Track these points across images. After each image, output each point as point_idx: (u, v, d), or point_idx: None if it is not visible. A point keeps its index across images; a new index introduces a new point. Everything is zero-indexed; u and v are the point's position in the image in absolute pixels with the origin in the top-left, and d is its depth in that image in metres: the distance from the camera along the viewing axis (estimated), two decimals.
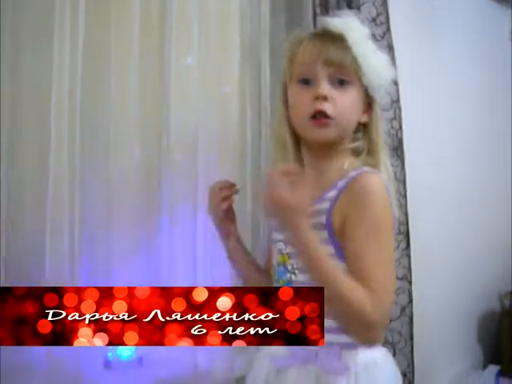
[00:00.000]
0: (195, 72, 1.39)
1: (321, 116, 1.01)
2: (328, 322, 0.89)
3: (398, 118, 1.68)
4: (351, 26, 1.06)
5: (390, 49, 1.70)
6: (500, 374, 2.23)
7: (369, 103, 1.08)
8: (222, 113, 1.47)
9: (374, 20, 1.70)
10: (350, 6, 1.64)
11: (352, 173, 1.02)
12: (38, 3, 1.21)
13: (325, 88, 1.02)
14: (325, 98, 1.01)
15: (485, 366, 2.32)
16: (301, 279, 1.03)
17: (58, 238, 1.17)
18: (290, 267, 1.05)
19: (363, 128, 1.09)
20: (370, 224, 0.96)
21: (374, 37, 1.74)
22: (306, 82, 1.04)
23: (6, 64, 1.13)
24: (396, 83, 1.69)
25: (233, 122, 1.49)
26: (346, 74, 1.03)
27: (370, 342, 0.97)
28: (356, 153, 1.08)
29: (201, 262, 1.38)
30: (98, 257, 1.27)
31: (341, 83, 1.03)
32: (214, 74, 1.43)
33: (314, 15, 1.59)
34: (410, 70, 1.89)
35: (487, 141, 2.46)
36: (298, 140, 1.09)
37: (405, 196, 1.65)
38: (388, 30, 1.71)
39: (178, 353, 1.33)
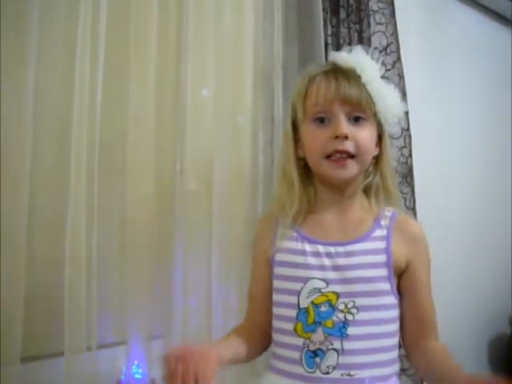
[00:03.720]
0: (210, 102, 1.43)
1: (341, 155, 1.01)
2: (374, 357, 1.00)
3: (407, 145, 1.70)
4: (363, 62, 1.07)
5: (401, 77, 1.73)
6: None
7: (379, 136, 1.09)
8: (236, 142, 1.50)
9: (384, 49, 1.73)
10: (360, 36, 1.68)
11: (387, 212, 1.08)
12: (60, 35, 1.26)
13: (345, 127, 1.01)
14: (346, 137, 1.01)
15: None
16: (363, 318, 1.00)
17: (76, 264, 1.19)
18: (342, 306, 1.00)
19: (374, 161, 1.10)
20: (428, 267, 1.08)
21: (384, 66, 1.77)
22: (321, 120, 1.04)
23: (29, 95, 1.16)
24: (406, 112, 1.72)
25: (245, 151, 1.52)
26: (362, 111, 1.03)
27: None
28: (368, 187, 1.10)
29: (215, 292, 1.40)
30: (114, 283, 1.30)
31: (357, 120, 1.03)
32: (228, 104, 1.46)
33: (326, 46, 1.63)
34: (420, 98, 1.92)
35: (496, 167, 2.48)
36: (306, 178, 1.09)
37: None
38: (398, 59, 1.74)
39: None
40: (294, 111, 1.09)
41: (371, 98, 1.04)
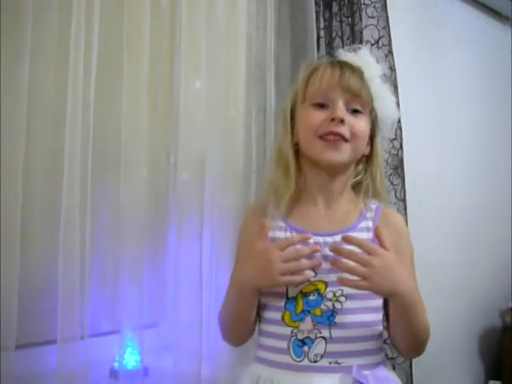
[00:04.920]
0: (203, 95, 1.44)
1: (335, 137, 1.04)
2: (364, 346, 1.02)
3: (398, 137, 1.72)
4: (367, 62, 1.11)
5: (392, 70, 1.75)
6: None
7: (371, 137, 1.11)
8: (229, 134, 1.51)
9: (376, 42, 1.74)
10: (352, 30, 1.70)
11: (372, 205, 1.10)
12: (54, 31, 1.27)
13: (342, 111, 1.04)
14: (342, 121, 1.03)
15: (486, 383, 2.33)
16: (350, 306, 1.01)
17: (69, 253, 1.20)
18: (330, 295, 1.02)
19: (365, 161, 1.13)
20: (411, 258, 1.10)
21: (376, 59, 1.79)
22: (320, 105, 1.07)
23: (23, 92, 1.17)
24: (398, 104, 1.74)
25: (239, 143, 1.53)
26: (360, 103, 1.07)
27: (419, 355, 1.10)
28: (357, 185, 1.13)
29: (207, 281, 1.41)
30: (107, 272, 1.32)
31: (354, 111, 1.06)
32: (220, 97, 1.47)
33: (318, 39, 1.64)
34: (413, 90, 1.93)
35: (489, 160, 2.50)
36: (298, 166, 1.11)
37: (405, 214, 1.69)
38: (390, 52, 1.76)
39: (183, 363, 1.37)
40: (294, 98, 1.12)
41: (370, 94, 1.08)
